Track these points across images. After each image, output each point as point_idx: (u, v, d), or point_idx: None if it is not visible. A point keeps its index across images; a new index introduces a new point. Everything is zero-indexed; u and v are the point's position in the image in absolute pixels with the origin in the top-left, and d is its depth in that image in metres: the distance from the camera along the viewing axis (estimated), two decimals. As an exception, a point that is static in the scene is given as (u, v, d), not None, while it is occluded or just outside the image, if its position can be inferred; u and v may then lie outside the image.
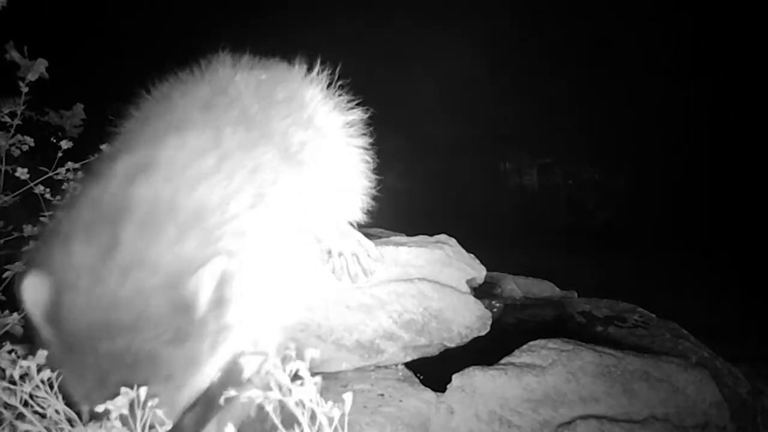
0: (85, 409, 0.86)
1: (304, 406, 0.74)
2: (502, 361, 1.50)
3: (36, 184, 1.72)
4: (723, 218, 8.50)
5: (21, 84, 1.91)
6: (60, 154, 1.85)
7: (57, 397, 0.86)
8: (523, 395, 1.38)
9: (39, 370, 0.85)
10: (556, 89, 9.71)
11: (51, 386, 0.85)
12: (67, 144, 1.85)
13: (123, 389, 0.75)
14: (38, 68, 1.91)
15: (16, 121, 1.95)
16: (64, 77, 2.06)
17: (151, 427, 0.77)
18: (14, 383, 0.84)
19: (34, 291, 0.86)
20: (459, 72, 9.19)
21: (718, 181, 9.00)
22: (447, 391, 1.39)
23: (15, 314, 1.44)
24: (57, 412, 0.85)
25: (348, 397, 0.75)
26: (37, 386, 0.84)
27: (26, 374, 0.84)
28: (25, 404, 0.85)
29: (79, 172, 1.75)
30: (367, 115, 1.59)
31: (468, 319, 1.62)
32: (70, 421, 0.86)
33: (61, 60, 2.01)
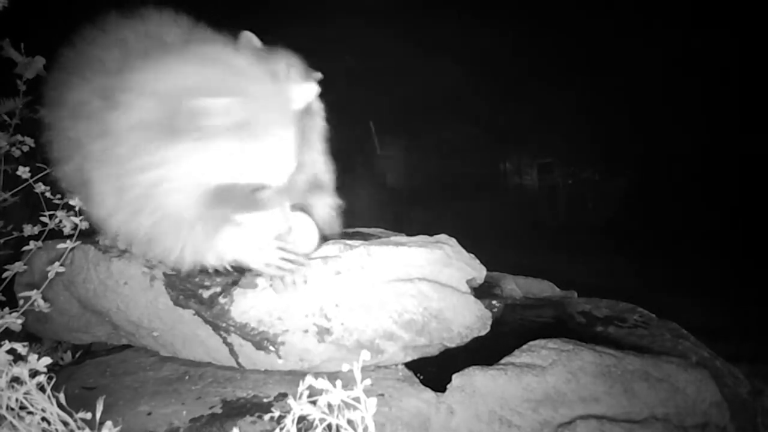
0: None
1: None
2: (502, 361, 1.50)
3: (36, 182, 1.72)
4: (723, 218, 8.49)
5: (19, 82, 1.90)
6: None
7: (51, 401, 0.87)
8: (523, 395, 1.38)
9: (34, 375, 0.87)
10: (556, 89, 9.71)
11: (43, 390, 0.87)
12: None
13: None
14: (36, 65, 1.90)
15: (15, 121, 1.95)
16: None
17: None
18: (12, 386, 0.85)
19: None
20: (459, 72, 9.19)
21: (717, 181, 9.00)
22: (447, 391, 1.38)
23: (14, 313, 1.44)
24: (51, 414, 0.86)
25: (372, 402, 0.85)
26: (28, 393, 0.86)
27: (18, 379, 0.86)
28: (22, 407, 0.87)
29: None
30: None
31: (468, 319, 1.61)
32: (64, 423, 0.87)
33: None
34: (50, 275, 1.50)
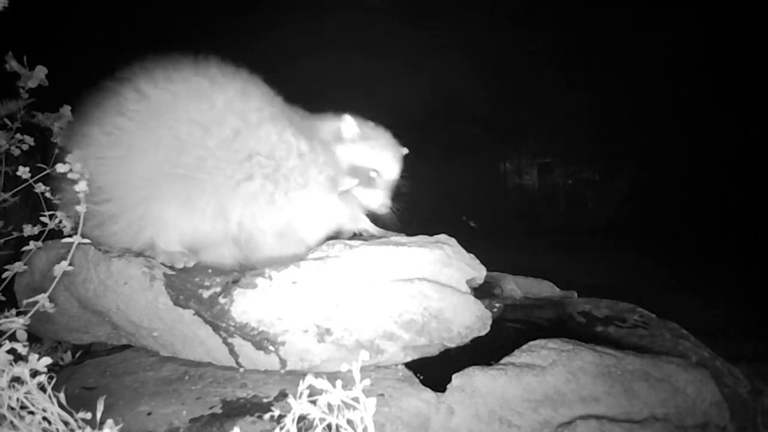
0: None
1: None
2: (502, 361, 1.50)
3: (36, 182, 1.72)
4: (723, 218, 8.49)
5: (21, 91, 1.94)
6: (56, 151, 1.85)
7: (51, 401, 0.87)
8: (523, 395, 1.38)
9: (35, 375, 0.87)
10: (556, 89, 9.70)
11: (44, 389, 0.88)
12: (63, 142, 1.85)
13: None
14: (38, 75, 1.95)
15: (16, 125, 1.96)
16: (62, 78, 2.10)
17: None
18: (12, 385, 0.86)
19: None
20: (459, 72, 9.18)
21: (717, 181, 9.00)
22: (447, 391, 1.38)
23: (20, 317, 1.43)
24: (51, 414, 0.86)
25: (371, 402, 0.85)
26: (29, 393, 0.86)
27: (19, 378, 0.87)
28: (23, 407, 0.87)
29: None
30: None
31: (468, 319, 1.61)
32: (65, 423, 0.87)
33: (59, 61, 2.04)
34: (57, 273, 1.43)
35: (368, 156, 2.20)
